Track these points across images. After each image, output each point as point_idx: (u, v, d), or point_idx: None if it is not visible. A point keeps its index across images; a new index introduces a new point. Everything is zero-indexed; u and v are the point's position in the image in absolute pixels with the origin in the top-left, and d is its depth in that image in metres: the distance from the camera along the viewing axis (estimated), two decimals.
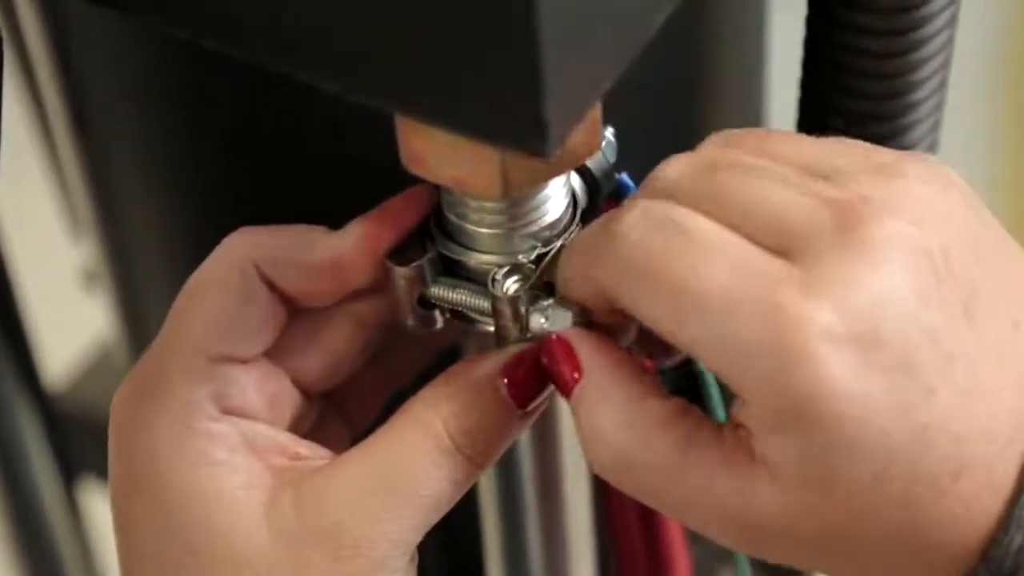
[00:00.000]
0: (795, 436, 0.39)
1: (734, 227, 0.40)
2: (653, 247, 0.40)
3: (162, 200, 0.59)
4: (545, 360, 0.44)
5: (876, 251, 0.39)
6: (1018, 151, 1.43)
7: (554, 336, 0.44)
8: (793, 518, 0.40)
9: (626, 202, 0.42)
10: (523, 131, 0.38)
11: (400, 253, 0.47)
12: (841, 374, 0.38)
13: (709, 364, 0.40)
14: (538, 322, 0.46)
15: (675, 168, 0.43)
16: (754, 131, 0.44)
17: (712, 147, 0.43)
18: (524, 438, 0.52)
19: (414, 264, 0.47)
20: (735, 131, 0.44)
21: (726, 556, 0.63)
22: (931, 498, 0.39)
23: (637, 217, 0.41)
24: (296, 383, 0.49)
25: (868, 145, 0.43)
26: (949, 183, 0.41)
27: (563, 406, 0.52)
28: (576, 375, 0.43)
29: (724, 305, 0.39)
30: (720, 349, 0.39)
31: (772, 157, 0.42)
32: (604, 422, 0.42)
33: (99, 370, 0.92)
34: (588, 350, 0.43)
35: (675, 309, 0.40)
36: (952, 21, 0.50)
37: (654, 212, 0.41)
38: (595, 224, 0.43)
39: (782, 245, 0.40)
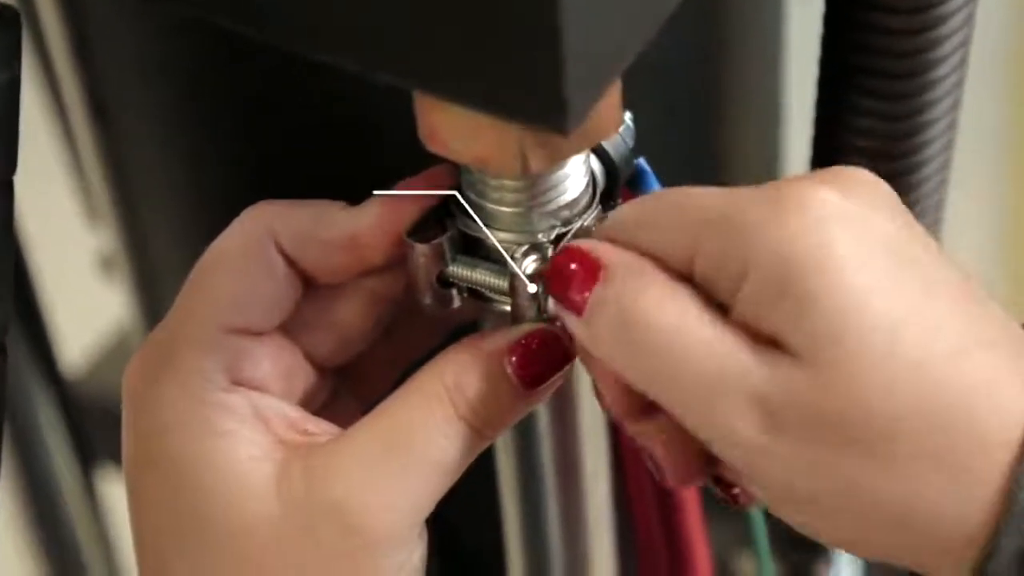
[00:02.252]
0: (803, 302, 0.39)
1: None
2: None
3: (179, 186, 0.59)
4: (557, 271, 0.44)
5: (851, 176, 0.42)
6: None
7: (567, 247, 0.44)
8: (812, 393, 0.39)
9: None
10: (543, 107, 0.38)
11: (420, 231, 0.47)
12: (845, 243, 0.40)
13: (708, 264, 0.41)
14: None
15: None
16: None
17: None
18: (543, 420, 0.52)
19: (434, 242, 0.47)
20: None
21: (745, 540, 0.63)
22: (947, 368, 0.39)
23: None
24: (309, 358, 0.49)
25: None
26: None
27: (582, 388, 0.52)
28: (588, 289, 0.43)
29: (729, 204, 0.41)
30: (724, 239, 0.41)
31: None
32: (643, 302, 0.42)
33: (116, 356, 0.92)
34: (608, 249, 0.44)
35: (681, 214, 0.42)
36: (968, 20, 0.50)
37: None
38: None
39: None
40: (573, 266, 0.43)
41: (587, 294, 0.43)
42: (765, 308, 0.40)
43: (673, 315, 0.41)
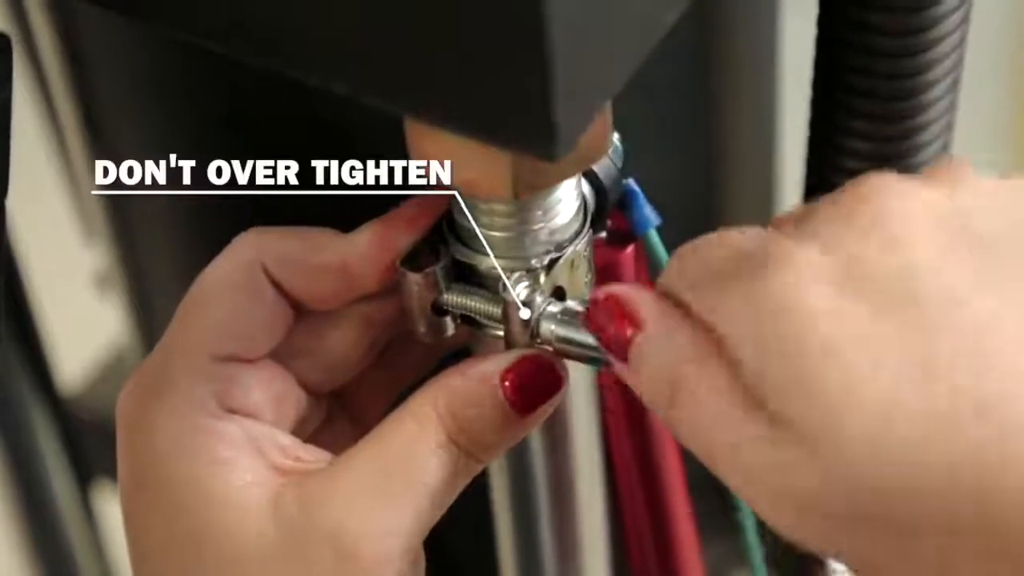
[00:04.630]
0: (786, 375, 0.37)
1: None
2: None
3: (174, 203, 0.59)
4: (595, 319, 0.43)
5: (871, 203, 0.38)
6: None
7: (602, 295, 0.43)
8: (822, 477, 0.37)
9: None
10: (533, 134, 0.37)
11: (413, 259, 0.47)
12: (819, 303, 0.37)
13: (718, 324, 0.39)
14: (548, 328, 0.45)
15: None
16: None
17: None
18: (536, 442, 0.52)
19: (428, 270, 0.47)
20: None
21: (741, 559, 0.63)
22: (956, 439, 0.35)
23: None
24: (301, 383, 0.49)
25: None
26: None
27: (575, 409, 0.52)
28: (630, 331, 0.42)
29: (727, 261, 0.40)
30: (720, 303, 0.39)
31: None
32: (663, 362, 0.41)
33: (112, 373, 0.92)
34: (647, 302, 0.42)
35: (695, 272, 0.41)
36: (964, 21, 0.50)
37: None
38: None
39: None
40: (608, 316, 0.43)
41: (627, 346, 0.42)
42: (762, 387, 0.38)
43: (704, 399, 0.40)
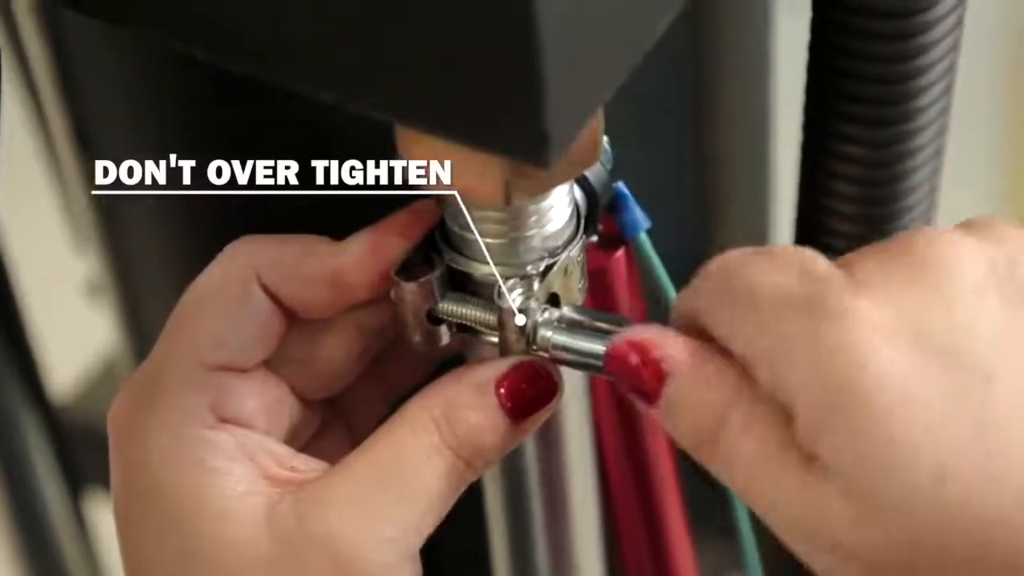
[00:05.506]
0: (846, 431, 0.38)
1: None
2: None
3: (164, 212, 0.59)
4: (621, 367, 0.43)
5: (921, 253, 0.39)
6: None
7: (629, 338, 0.43)
8: (864, 528, 0.38)
9: None
10: (524, 141, 0.37)
11: (407, 269, 0.47)
12: (883, 363, 0.38)
13: (759, 364, 0.40)
14: (544, 335, 0.45)
15: None
16: None
17: None
18: (530, 448, 0.52)
19: (423, 280, 0.46)
20: None
21: (736, 562, 0.62)
22: (998, 496, 0.37)
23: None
24: (295, 392, 0.49)
25: None
26: None
27: (568, 415, 0.52)
28: (660, 380, 0.42)
29: (774, 303, 0.39)
30: (768, 346, 0.39)
31: None
32: (702, 410, 0.41)
33: (104, 381, 0.92)
34: (677, 346, 0.42)
35: (732, 305, 0.40)
36: (958, 25, 0.50)
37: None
38: None
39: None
40: (634, 361, 0.43)
41: (656, 393, 0.42)
42: (812, 438, 0.39)
43: (749, 445, 0.41)
